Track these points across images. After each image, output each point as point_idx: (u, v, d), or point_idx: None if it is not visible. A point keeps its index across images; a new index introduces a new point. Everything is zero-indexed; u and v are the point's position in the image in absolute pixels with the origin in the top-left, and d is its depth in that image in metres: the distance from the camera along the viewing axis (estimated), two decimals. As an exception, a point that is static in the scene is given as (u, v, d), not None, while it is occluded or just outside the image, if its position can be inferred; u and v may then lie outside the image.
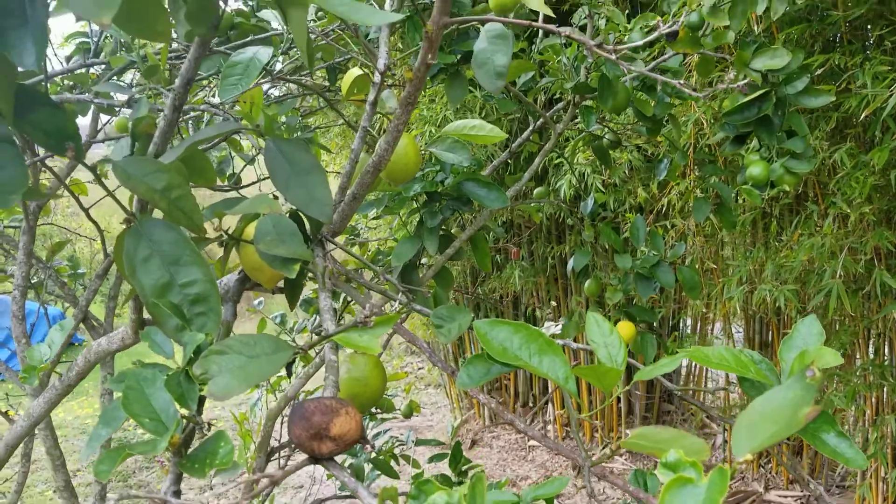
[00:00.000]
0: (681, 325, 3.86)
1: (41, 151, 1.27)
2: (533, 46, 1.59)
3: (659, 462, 0.44)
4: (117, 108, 1.37)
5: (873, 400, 2.68)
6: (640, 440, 0.56)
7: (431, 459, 1.84)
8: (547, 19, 1.14)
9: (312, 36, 1.38)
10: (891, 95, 1.75)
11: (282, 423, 1.77)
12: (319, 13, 1.56)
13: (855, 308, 2.41)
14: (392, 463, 1.78)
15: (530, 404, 4.27)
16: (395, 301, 0.91)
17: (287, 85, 2.03)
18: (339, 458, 0.60)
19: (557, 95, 1.66)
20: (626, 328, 1.55)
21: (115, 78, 1.42)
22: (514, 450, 4.19)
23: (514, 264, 3.56)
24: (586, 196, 1.76)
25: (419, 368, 6.28)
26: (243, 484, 0.65)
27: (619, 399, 3.75)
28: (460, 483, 1.56)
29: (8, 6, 0.52)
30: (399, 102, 0.81)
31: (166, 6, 0.69)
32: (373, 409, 1.59)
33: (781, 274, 2.37)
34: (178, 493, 0.60)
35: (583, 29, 1.62)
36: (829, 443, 0.58)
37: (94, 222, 0.88)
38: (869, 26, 2.10)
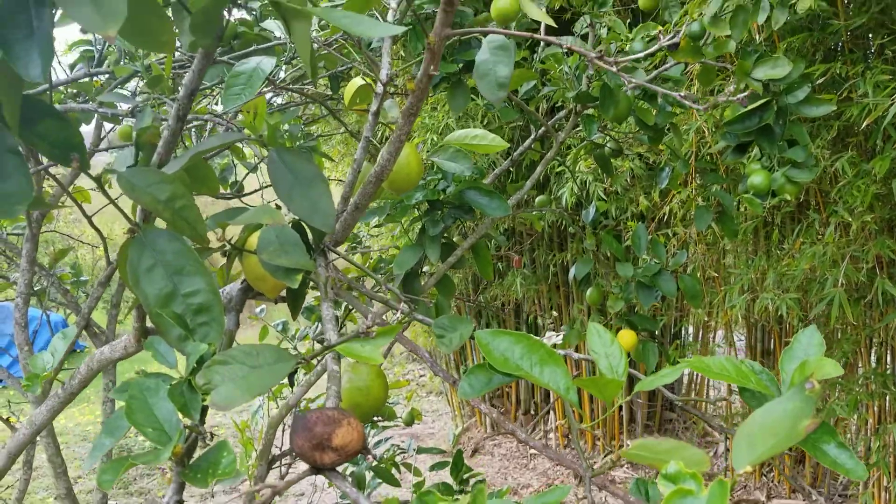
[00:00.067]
0: (683, 333, 3.85)
1: (44, 160, 1.28)
2: (535, 55, 1.59)
3: (659, 474, 0.44)
4: (121, 117, 1.38)
5: (875, 409, 2.67)
6: (641, 451, 0.56)
7: (433, 468, 1.84)
8: (548, 29, 1.15)
9: (315, 46, 1.39)
10: (892, 104, 1.75)
11: (283, 431, 1.77)
12: (322, 23, 1.57)
13: (857, 317, 2.40)
14: (393, 471, 1.78)
15: (532, 412, 4.26)
16: (397, 310, 0.91)
17: (290, 93, 2.04)
18: (340, 467, 0.60)
19: (559, 104, 1.66)
20: (627, 336, 1.55)
21: (118, 87, 1.43)
22: (515, 458, 4.18)
23: (515, 272, 3.56)
24: (588, 204, 1.76)
25: (420, 376, 6.28)
26: (245, 494, 0.65)
27: (621, 407, 3.74)
28: (461, 492, 1.56)
29: (14, 18, 0.53)
30: (401, 113, 0.81)
31: (170, 17, 0.69)
32: (374, 417, 1.59)
33: (783, 282, 2.37)
34: (180, 503, 0.60)
35: (584, 38, 1.63)
36: (829, 453, 0.58)
37: (98, 230, 0.88)
38: (870, 35, 2.10)
